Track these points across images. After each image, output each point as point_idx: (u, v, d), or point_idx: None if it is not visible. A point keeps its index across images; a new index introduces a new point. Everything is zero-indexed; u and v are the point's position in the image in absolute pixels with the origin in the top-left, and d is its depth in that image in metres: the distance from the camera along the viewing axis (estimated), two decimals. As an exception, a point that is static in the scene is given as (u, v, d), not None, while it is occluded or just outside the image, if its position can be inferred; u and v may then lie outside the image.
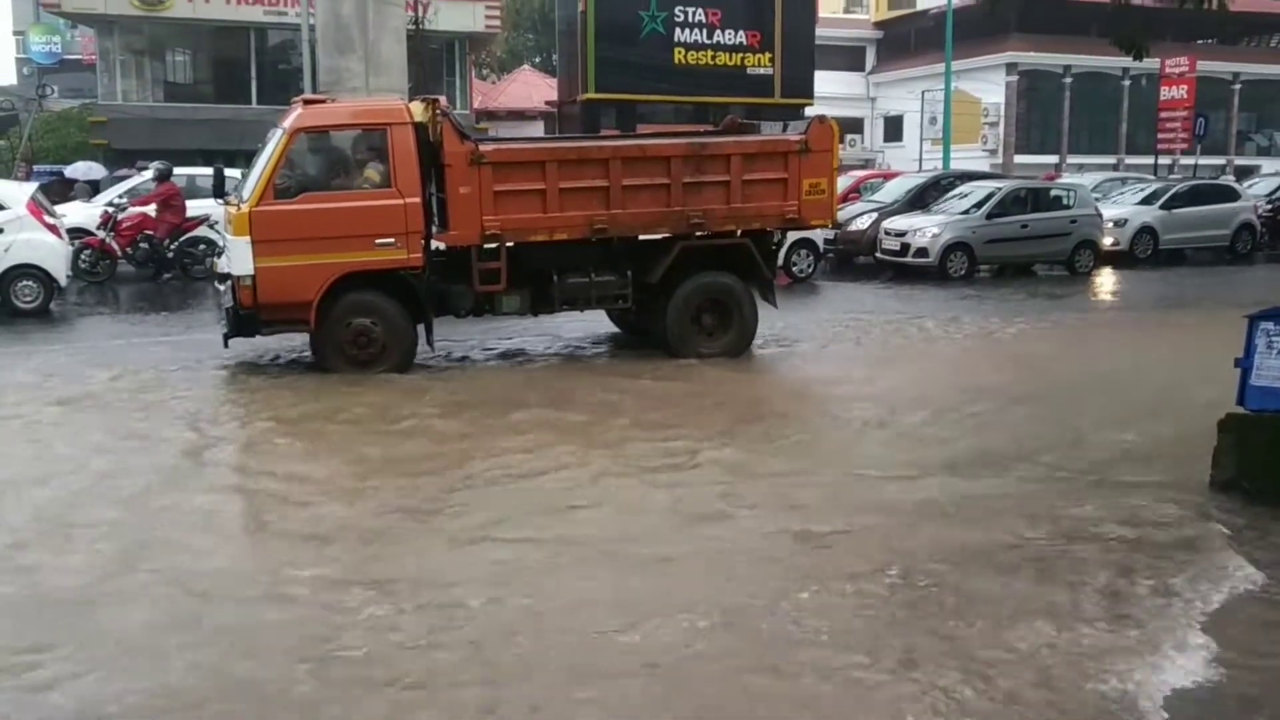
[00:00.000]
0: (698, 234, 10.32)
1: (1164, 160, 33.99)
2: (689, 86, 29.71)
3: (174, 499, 6.32)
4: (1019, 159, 40.59)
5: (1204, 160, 33.91)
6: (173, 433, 7.85)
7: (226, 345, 10.06)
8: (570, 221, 9.99)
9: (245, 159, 19.85)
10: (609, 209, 10.03)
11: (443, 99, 10.13)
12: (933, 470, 6.85)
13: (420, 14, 26.20)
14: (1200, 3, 10.47)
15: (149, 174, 18.64)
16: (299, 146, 9.58)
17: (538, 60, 47.50)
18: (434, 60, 30.33)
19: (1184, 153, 33.97)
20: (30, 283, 13.15)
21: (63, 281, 13.47)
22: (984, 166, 35.01)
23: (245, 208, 9.32)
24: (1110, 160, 40.15)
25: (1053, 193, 18.86)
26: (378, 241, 9.55)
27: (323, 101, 10.09)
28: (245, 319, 9.59)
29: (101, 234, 15.88)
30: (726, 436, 7.71)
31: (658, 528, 5.83)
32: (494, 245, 9.86)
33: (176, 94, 31.04)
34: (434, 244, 9.95)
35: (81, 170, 24.90)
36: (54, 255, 13.30)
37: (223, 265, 13.48)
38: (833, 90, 38.95)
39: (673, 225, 10.27)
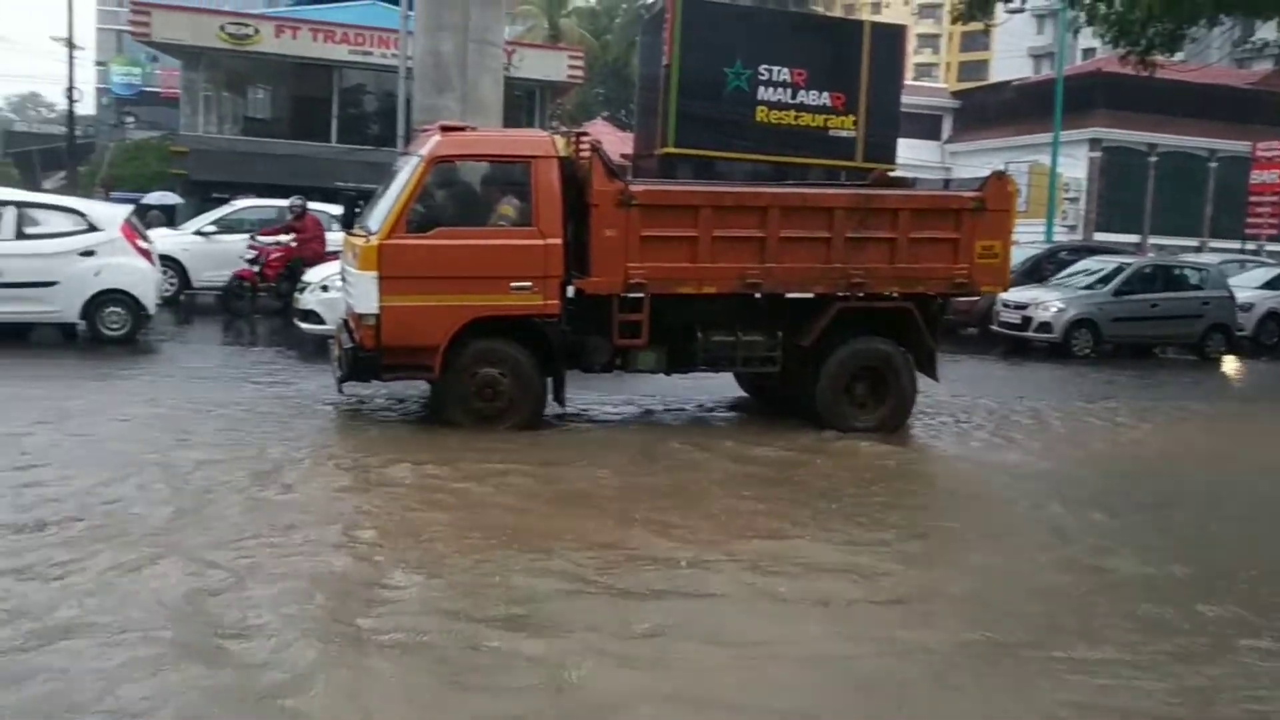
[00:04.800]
0: (857, 295, 9.40)
1: (1250, 245, 32.96)
2: (770, 145, 28.78)
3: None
4: (1099, 236, 39.46)
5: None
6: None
7: (341, 390, 9.20)
8: (721, 274, 9.09)
9: (320, 195, 19.51)
10: (763, 262, 9.14)
11: (590, 133, 9.34)
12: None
13: (507, 59, 25.78)
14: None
15: (237, 205, 18.20)
16: (436, 176, 8.75)
17: (606, 114, 47.22)
18: (514, 107, 29.91)
19: (1270, 238, 33.03)
20: (119, 309, 12.45)
21: (151, 309, 12.78)
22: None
23: (374, 240, 8.49)
24: (1193, 242, 39.01)
25: (1183, 272, 17.82)
26: (513, 285, 8.69)
27: (462, 129, 9.27)
28: (364, 362, 8.71)
29: (254, 268, 15.37)
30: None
31: None
32: (637, 295, 8.99)
33: (255, 129, 30.75)
34: (570, 291, 9.09)
35: (154, 198, 24.64)
36: (145, 281, 12.61)
37: (306, 301, 12.91)
38: (909, 157, 38.12)
39: (831, 283, 9.34)
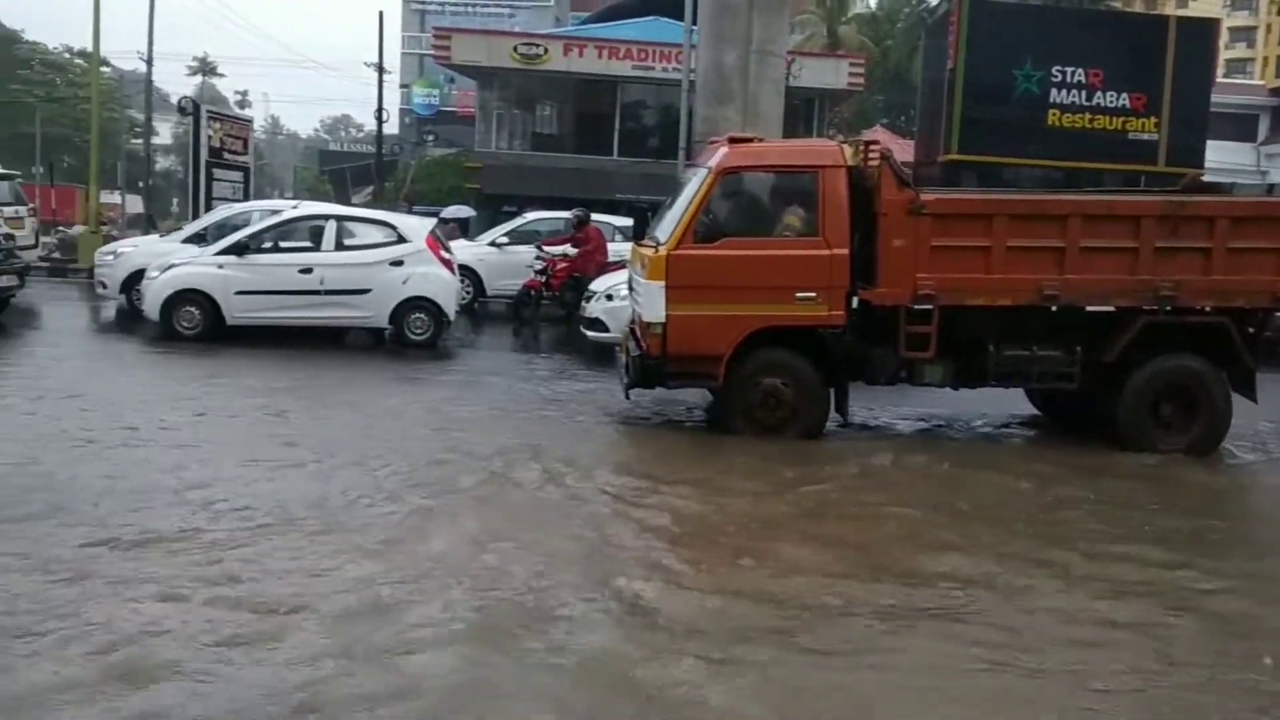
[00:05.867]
0: (1165, 308, 8.78)
1: None
2: (1061, 150, 27.18)
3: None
4: None
5: None
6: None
7: (628, 397, 9.49)
8: (1016, 285, 8.72)
9: (602, 207, 20.18)
10: (1062, 273, 8.69)
11: (878, 141, 9.19)
12: None
13: (787, 69, 25.76)
14: None
15: (528, 217, 19.11)
16: (723, 187, 8.85)
17: (885, 121, 46.30)
18: (793, 115, 29.89)
19: None
20: (422, 315, 13.34)
21: (451, 316, 13.63)
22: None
23: (663, 250, 8.68)
24: None
25: None
26: (798, 295, 8.67)
27: (750, 140, 9.35)
28: (650, 369, 8.93)
29: (541, 278, 16.20)
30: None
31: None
32: (926, 306, 8.76)
33: (542, 144, 32.22)
34: (854, 301, 8.95)
35: (451, 211, 26.18)
36: (446, 289, 13.47)
37: (592, 310, 13.38)
38: (1218, 160, 35.22)
39: (1136, 296, 8.78)
